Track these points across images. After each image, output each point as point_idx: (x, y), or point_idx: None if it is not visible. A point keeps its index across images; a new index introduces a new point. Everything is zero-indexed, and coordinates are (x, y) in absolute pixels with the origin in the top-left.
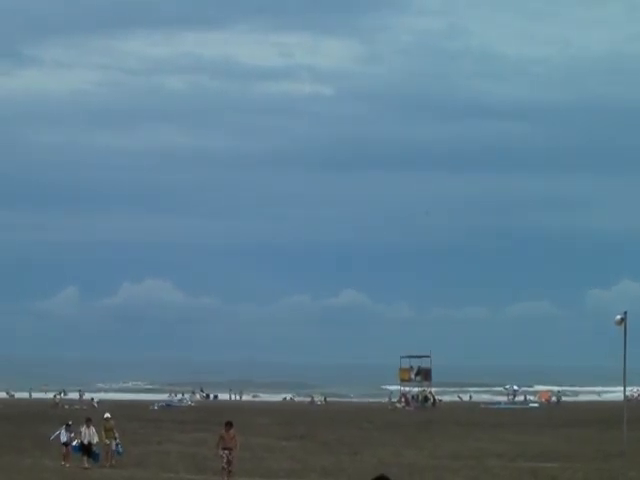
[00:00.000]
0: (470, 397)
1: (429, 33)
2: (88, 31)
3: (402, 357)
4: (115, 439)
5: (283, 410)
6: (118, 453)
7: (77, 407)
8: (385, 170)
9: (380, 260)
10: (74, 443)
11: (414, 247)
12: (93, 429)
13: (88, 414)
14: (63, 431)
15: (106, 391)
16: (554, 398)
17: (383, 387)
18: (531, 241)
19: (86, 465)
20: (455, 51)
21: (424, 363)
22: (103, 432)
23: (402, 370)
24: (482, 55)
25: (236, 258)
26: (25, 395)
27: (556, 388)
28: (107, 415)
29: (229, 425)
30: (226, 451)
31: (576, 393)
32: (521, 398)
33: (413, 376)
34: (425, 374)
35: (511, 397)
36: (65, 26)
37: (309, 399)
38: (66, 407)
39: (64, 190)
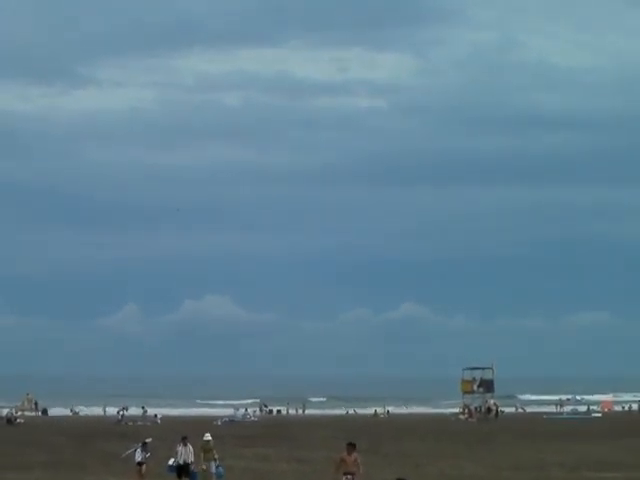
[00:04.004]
0: (522, 409)
1: (483, 46)
2: (143, 49)
3: (464, 369)
4: (215, 460)
5: (346, 423)
6: (219, 476)
7: (140, 424)
8: (442, 183)
9: (440, 272)
10: (170, 462)
11: (474, 258)
12: (190, 447)
13: (151, 431)
14: (139, 450)
15: (169, 407)
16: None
17: (446, 401)
18: (592, 251)
19: None
20: (509, 63)
21: (486, 375)
22: (202, 454)
23: (464, 382)
24: (536, 67)
25: (296, 273)
26: (88, 412)
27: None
28: (208, 437)
29: (352, 446)
30: (348, 476)
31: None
32: (584, 408)
33: (475, 388)
34: (487, 385)
35: (565, 407)
36: (120, 45)
37: (372, 412)
38: (129, 424)
39: (123, 207)
